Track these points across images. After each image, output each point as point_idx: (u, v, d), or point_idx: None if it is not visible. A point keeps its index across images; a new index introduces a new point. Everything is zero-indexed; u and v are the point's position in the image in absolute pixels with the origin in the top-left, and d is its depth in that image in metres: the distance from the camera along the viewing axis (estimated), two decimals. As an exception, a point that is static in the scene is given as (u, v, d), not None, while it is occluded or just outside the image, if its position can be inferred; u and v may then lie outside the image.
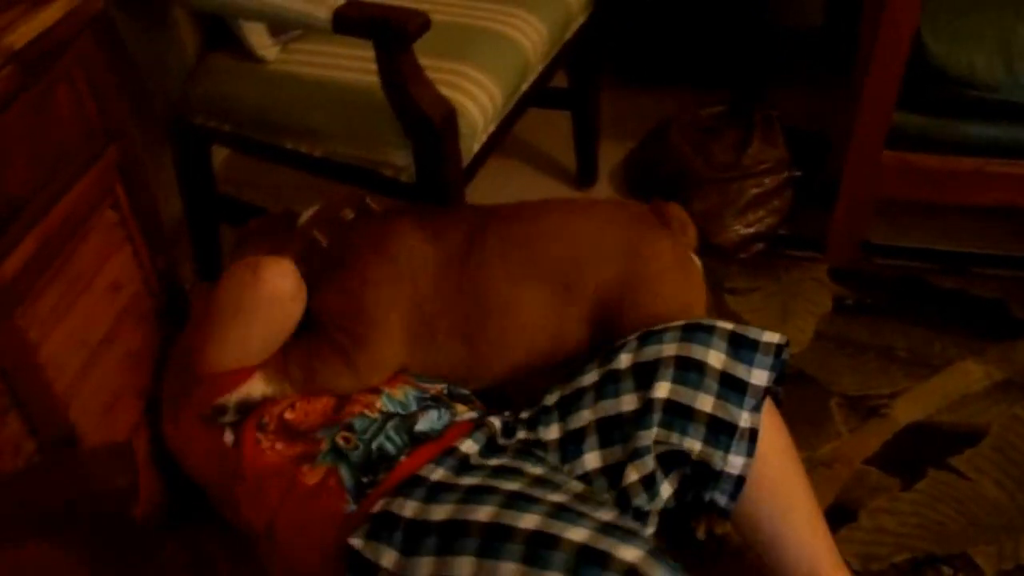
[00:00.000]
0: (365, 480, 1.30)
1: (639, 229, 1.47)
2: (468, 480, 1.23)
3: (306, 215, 1.56)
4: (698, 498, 1.31)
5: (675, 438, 1.25)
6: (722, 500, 1.28)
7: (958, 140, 1.85)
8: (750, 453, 1.26)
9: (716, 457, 1.25)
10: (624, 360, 1.31)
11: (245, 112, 1.69)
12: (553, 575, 1.06)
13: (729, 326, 1.31)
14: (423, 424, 1.37)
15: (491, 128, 1.68)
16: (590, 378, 1.34)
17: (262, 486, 1.33)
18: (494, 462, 1.28)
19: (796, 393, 1.80)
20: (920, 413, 1.77)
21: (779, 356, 1.31)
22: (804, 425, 1.74)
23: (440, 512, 1.18)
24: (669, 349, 1.29)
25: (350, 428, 1.35)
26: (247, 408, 1.37)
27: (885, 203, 2.03)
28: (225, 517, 1.43)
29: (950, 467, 1.67)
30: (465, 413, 1.42)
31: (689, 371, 1.26)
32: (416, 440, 1.35)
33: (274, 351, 1.40)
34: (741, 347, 1.29)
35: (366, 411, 1.38)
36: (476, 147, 1.64)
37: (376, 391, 1.42)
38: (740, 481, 1.27)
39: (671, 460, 1.28)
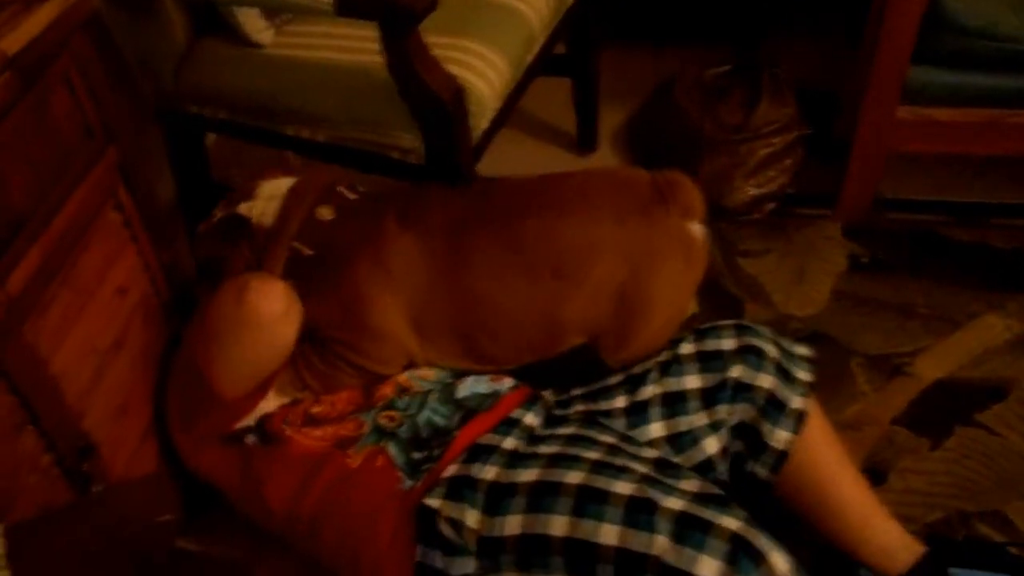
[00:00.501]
0: (417, 456, 1.28)
1: (635, 218, 1.36)
2: (546, 448, 1.24)
3: (261, 211, 1.41)
4: (737, 472, 1.35)
5: (738, 408, 1.31)
6: (763, 473, 1.33)
7: (975, 92, 1.81)
8: (796, 431, 1.31)
9: (764, 429, 1.30)
10: (686, 348, 1.37)
11: (242, 99, 1.62)
12: (658, 538, 1.08)
13: (769, 332, 1.39)
14: (463, 390, 1.37)
15: (499, 104, 1.61)
16: (651, 362, 1.39)
17: (299, 476, 1.30)
18: (563, 431, 1.29)
19: (817, 355, 1.76)
20: (944, 370, 1.74)
21: (813, 363, 1.39)
22: (826, 387, 1.70)
23: (527, 475, 1.19)
24: (728, 343, 1.35)
25: (392, 407, 1.34)
26: (266, 418, 1.34)
27: (895, 156, 1.98)
28: (252, 520, 1.39)
29: (978, 423, 1.65)
30: (504, 381, 1.41)
31: (750, 355, 1.33)
32: (461, 407, 1.34)
33: (283, 364, 1.34)
34: (784, 350, 1.37)
35: (403, 394, 1.37)
36: (485, 124, 1.58)
37: (404, 370, 1.41)
38: (783, 456, 1.31)
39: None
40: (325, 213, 1.39)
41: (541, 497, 1.15)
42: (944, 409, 1.67)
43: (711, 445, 1.32)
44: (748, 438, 1.32)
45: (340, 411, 1.36)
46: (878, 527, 1.31)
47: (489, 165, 1.74)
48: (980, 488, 1.55)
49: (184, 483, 1.46)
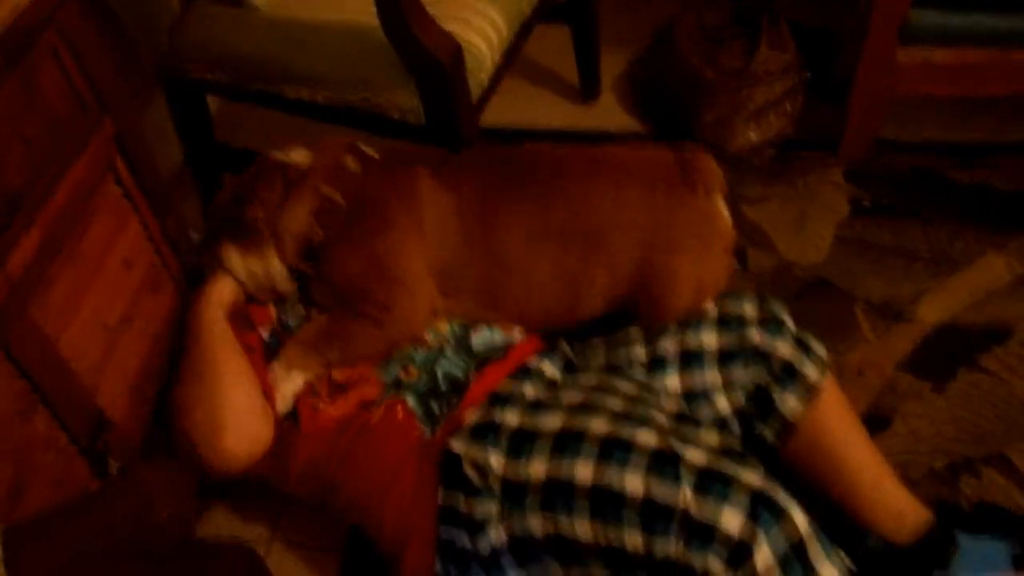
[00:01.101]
0: (436, 407, 1.27)
1: (662, 197, 1.34)
2: (568, 397, 1.22)
3: (296, 157, 1.38)
4: (746, 434, 1.32)
5: (753, 371, 1.29)
6: (770, 437, 1.31)
7: (974, 32, 1.73)
8: (806, 404, 1.28)
9: (776, 394, 1.28)
10: (707, 308, 1.34)
11: (239, 62, 1.55)
12: (683, 489, 1.06)
13: (786, 308, 1.36)
14: (478, 340, 1.35)
15: (498, 60, 1.54)
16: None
17: (326, 443, 1.28)
18: (584, 380, 1.28)
19: (820, 301, 1.72)
20: (946, 313, 1.70)
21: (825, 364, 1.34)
22: (831, 334, 1.65)
23: (550, 422, 1.17)
24: (749, 310, 1.32)
25: (409, 361, 1.32)
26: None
27: (896, 97, 1.91)
28: (279, 487, 1.37)
29: (980, 367, 1.61)
30: (516, 330, 1.39)
31: (771, 323, 1.31)
32: (476, 357, 1.32)
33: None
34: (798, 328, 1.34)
35: (418, 346, 1.34)
36: (484, 81, 1.51)
37: None
38: (790, 425, 1.29)
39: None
40: (352, 163, 1.36)
41: (566, 443, 1.13)
42: (946, 353, 1.63)
43: (724, 405, 1.30)
44: (759, 401, 1.30)
45: (361, 373, 1.33)
46: (888, 492, 1.29)
47: (491, 116, 1.67)
48: (983, 432, 1.52)
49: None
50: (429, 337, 1.36)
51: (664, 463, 1.08)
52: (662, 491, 1.06)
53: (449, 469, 1.19)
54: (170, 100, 1.70)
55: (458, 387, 1.29)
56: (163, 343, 1.41)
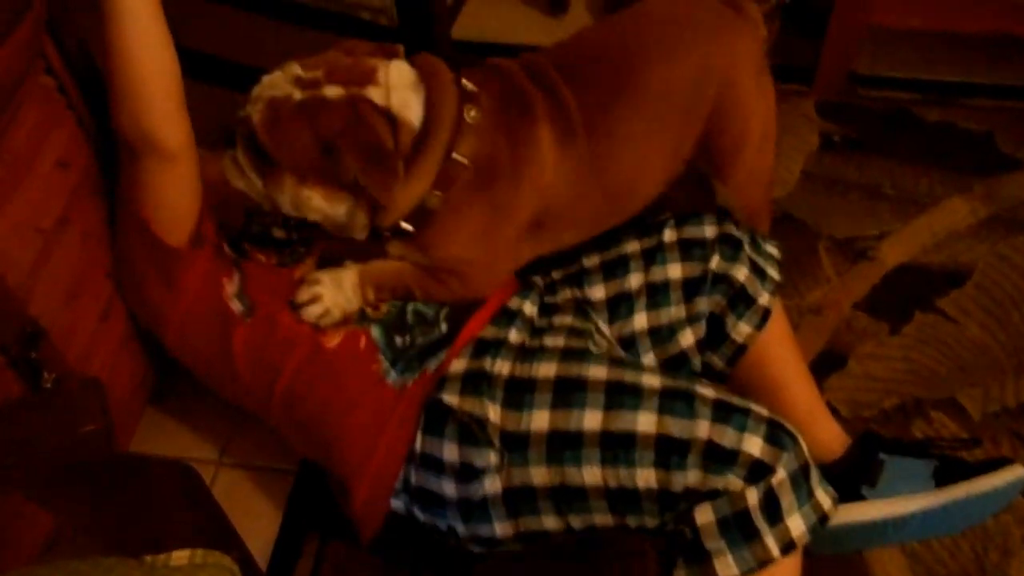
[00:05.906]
0: (400, 342, 1.15)
1: (726, 36, 1.22)
2: (552, 341, 1.13)
3: (411, 113, 1.08)
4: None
5: (714, 300, 1.23)
6: (719, 364, 1.26)
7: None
8: (758, 327, 1.23)
9: (729, 321, 1.22)
10: (668, 235, 1.25)
11: (190, -52, 1.36)
12: (700, 422, 0.99)
13: (747, 230, 1.27)
14: None
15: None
16: (632, 247, 1.26)
17: (275, 350, 1.15)
18: (560, 321, 1.19)
19: (785, 237, 1.62)
20: (907, 254, 1.62)
21: (781, 264, 1.29)
22: (793, 271, 1.59)
23: (544, 370, 1.08)
24: (710, 230, 1.24)
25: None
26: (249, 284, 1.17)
27: (871, 31, 1.79)
28: (224, 395, 1.25)
29: (936, 309, 1.54)
30: None
31: (727, 245, 1.23)
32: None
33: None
34: (757, 245, 1.26)
35: None
36: (458, -18, 1.36)
37: None
38: (741, 349, 1.24)
39: None
40: (472, 114, 1.10)
41: (568, 393, 1.04)
42: (904, 294, 1.57)
43: (687, 338, 1.23)
44: (712, 328, 1.23)
45: None
46: (821, 424, 1.25)
47: (460, 31, 1.53)
48: (936, 375, 1.46)
49: (157, 357, 1.33)
50: None
51: (676, 400, 1.01)
52: (678, 427, 1.00)
53: (435, 418, 1.09)
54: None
55: (424, 322, 1.17)
56: (103, 249, 1.27)
